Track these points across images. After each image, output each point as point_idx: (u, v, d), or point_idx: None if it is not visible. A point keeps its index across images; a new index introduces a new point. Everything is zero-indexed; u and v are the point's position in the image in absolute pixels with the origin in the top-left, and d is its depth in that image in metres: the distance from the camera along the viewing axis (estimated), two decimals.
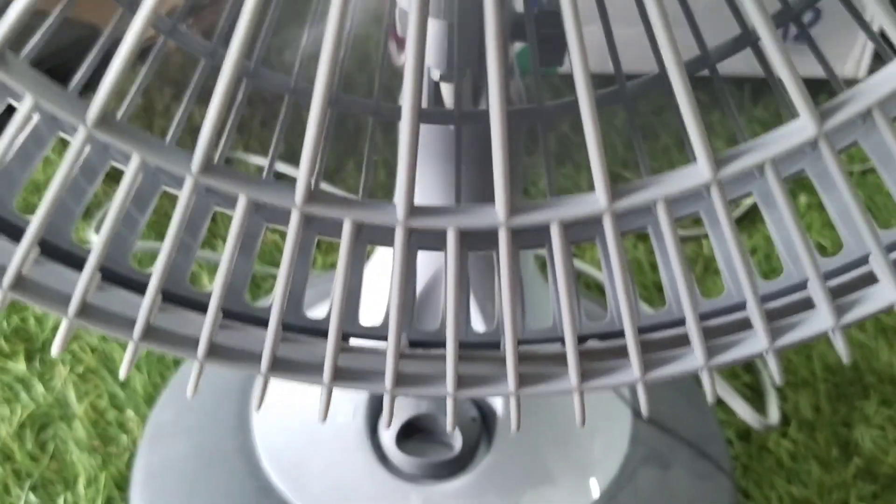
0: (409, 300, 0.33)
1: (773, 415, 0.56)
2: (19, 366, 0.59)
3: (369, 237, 0.40)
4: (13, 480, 0.52)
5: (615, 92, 0.38)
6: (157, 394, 0.57)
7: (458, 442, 0.47)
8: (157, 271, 0.23)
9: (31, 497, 0.52)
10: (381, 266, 0.47)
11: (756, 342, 0.24)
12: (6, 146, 0.21)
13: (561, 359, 0.27)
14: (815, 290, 0.23)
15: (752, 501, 0.53)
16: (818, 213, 0.72)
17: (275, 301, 0.24)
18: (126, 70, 0.19)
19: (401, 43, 0.44)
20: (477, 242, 0.39)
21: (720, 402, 0.58)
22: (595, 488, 0.48)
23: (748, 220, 0.72)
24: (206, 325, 0.24)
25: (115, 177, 0.27)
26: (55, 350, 0.25)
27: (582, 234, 0.38)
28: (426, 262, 0.37)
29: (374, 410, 0.49)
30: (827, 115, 0.20)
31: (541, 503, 0.47)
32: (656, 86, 0.38)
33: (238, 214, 0.22)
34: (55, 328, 0.60)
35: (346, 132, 0.78)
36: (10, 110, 0.23)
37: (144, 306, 0.24)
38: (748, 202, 0.71)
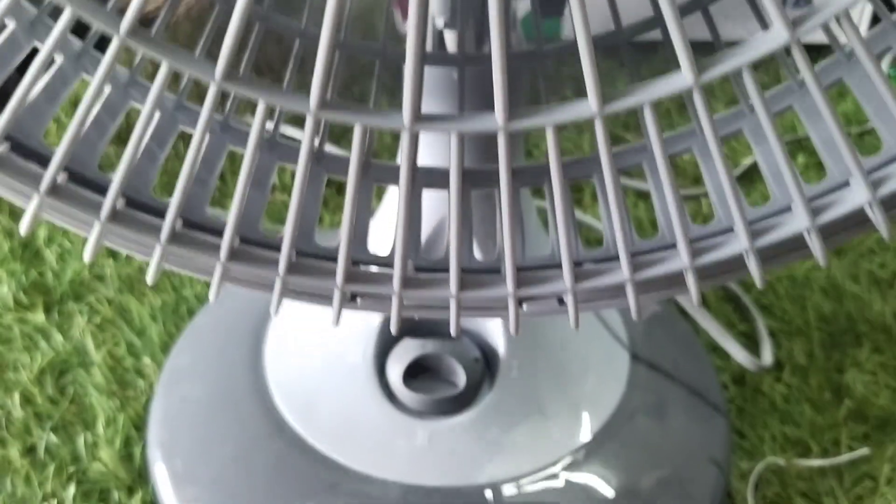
0: (416, 223, 0.35)
1: (767, 357, 0.58)
2: (38, 317, 0.61)
3: (377, 176, 0.42)
4: (34, 422, 0.55)
5: (613, 34, 0.40)
6: (173, 343, 0.59)
7: (461, 380, 0.49)
8: (182, 176, 0.25)
9: (52, 437, 0.54)
10: (389, 209, 0.49)
11: (737, 243, 0.26)
12: (37, 70, 0.23)
13: (557, 276, 0.29)
14: (792, 192, 0.25)
15: (746, 441, 0.55)
16: (815, 172, 0.73)
17: (291, 205, 0.26)
18: None
19: (405, 8, 0.46)
20: (479, 180, 0.41)
21: (716, 349, 0.60)
22: (592, 425, 0.50)
23: (747, 180, 0.73)
24: (228, 226, 0.26)
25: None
26: (88, 255, 0.27)
27: (580, 171, 0.40)
28: (431, 206, 0.39)
29: (382, 351, 0.51)
30: (799, 22, 0.22)
31: (539, 438, 0.50)
32: (651, 26, 0.40)
33: (258, 118, 0.24)
34: (72, 281, 0.63)
35: (350, 97, 0.80)
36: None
37: (172, 207, 0.25)
38: (747, 162, 0.73)
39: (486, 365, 0.51)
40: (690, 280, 0.27)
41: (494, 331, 0.51)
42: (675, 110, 0.80)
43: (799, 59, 0.23)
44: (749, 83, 0.23)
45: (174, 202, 0.26)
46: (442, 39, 0.42)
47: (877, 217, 0.25)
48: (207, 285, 0.61)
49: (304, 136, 0.24)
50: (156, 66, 0.23)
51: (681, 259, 0.27)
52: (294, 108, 0.23)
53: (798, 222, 0.26)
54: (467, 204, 0.40)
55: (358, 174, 0.24)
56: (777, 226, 0.26)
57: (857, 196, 0.25)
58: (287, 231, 0.26)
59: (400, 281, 0.28)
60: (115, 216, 0.26)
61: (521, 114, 0.24)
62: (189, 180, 0.25)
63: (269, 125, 0.37)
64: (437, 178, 0.40)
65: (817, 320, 0.62)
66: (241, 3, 0.22)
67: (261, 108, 0.23)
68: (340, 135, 0.77)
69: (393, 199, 0.50)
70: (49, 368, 0.58)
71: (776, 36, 0.22)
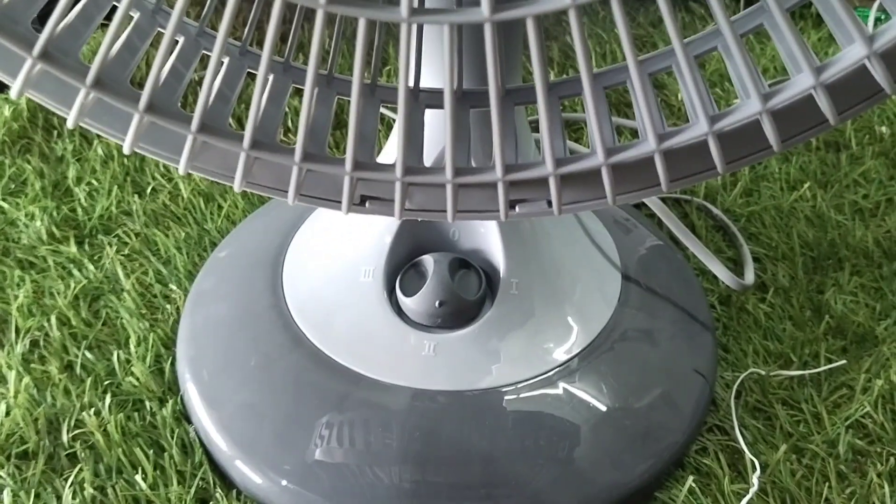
0: (418, 132, 0.39)
1: (750, 277, 0.62)
2: (71, 249, 0.66)
3: (382, 96, 0.46)
4: (70, 342, 0.59)
5: None
6: (197, 272, 0.63)
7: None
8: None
9: (87, 355, 0.58)
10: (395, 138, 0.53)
11: (698, 128, 0.30)
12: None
13: (543, 168, 0.33)
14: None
15: (730, 354, 0.59)
16: None
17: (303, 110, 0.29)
18: None
19: None
20: (477, 100, 0.45)
21: (704, 273, 0.64)
22: (584, 337, 0.54)
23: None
24: (248, 127, 0.30)
25: None
26: (127, 148, 0.31)
27: (570, 90, 0.43)
28: (435, 129, 0.42)
29: (391, 273, 0.55)
30: None
31: (536, 349, 0.54)
32: None
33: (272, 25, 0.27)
34: (101, 216, 0.67)
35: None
36: None
37: (201, 102, 0.29)
38: None
39: (488, 284, 0.55)
40: (660, 165, 0.31)
41: (496, 253, 0.55)
42: None
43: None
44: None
45: (200, 104, 0.30)
46: None
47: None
48: (228, 219, 0.66)
49: (315, 32, 0.28)
50: None
51: (648, 143, 0.30)
52: (305, 3, 0.27)
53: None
54: (464, 119, 0.44)
55: (361, 68, 0.28)
56: (735, 109, 0.29)
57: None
58: (301, 123, 0.30)
59: (402, 168, 0.31)
60: (151, 107, 0.30)
61: (504, 7, 0.27)
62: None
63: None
64: (438, 98, 0.44)
65: (801, 246, 0.66)
66: None
67: (277, 4, 0.27)
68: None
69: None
70: (82, 294, 0.62)
71: None
